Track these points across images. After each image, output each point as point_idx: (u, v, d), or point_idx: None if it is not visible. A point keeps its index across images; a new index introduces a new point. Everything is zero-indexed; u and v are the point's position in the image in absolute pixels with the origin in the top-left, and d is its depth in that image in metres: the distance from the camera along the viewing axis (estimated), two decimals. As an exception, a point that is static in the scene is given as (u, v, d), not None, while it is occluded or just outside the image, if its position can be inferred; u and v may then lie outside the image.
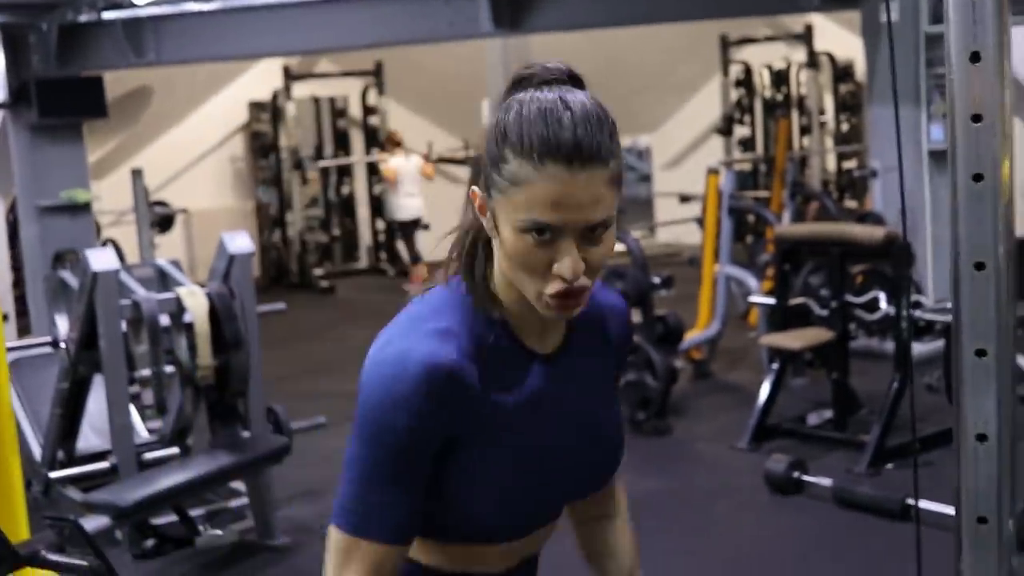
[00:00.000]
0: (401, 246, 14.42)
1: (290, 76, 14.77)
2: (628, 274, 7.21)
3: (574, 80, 1.61)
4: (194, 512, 5.48)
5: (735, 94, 15.06)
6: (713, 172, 8.76)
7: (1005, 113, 1.41)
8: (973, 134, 1.41)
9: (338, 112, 15.37)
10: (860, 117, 14.06)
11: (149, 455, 5.54)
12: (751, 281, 8.58)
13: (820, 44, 14.03)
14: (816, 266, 7.26)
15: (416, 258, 13.71)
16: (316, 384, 8.96)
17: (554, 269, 1.54)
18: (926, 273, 8.46)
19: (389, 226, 14.85)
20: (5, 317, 10.10)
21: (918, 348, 7.26)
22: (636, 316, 7.12)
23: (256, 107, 15.05)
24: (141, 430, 5.97)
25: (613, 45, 12.56)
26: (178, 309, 5.32)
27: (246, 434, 5.48)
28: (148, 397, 5.56)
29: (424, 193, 13.75)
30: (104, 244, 10.92)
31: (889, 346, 7.17)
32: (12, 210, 11.15)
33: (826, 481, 5.84)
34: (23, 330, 10.26)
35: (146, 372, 5.41)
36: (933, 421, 6.36)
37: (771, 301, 7.34)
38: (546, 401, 1.71)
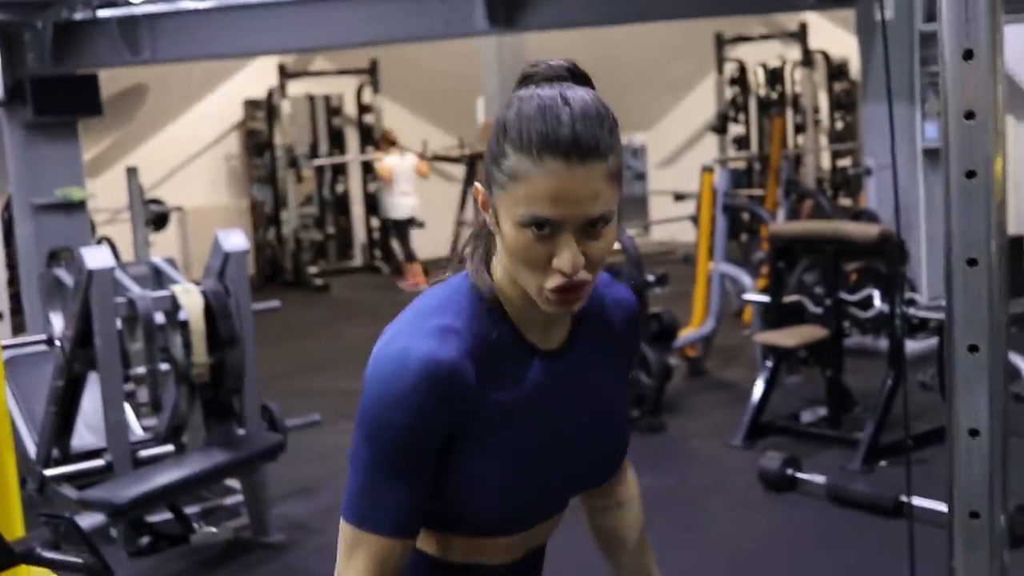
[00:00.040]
0: (395, 244, 14.42)
1: (285, 74, 14.76)
2: (623, 272, 7.21)
3: (578, 77, 1.62)
4: (189, 509, 5.48)
5: (730, 92, 15.08)
6: (708, 170, 8.76)
7: (998, 110, 1.42)
8: (966, 131, 1.42)
9: (333, 110, 15.35)
10: (854, 115, 14.10)
11: (144, 453, 5.55)
12: (745, 279, 8.58)
13: (815, 42, 14.05)
14: (810, 264, 7.27)
15: (410, 256, 13.72)
16: (311, 382, 8.96)
17: (554, 263, 1.55)
18: (920, 271, 8.48)
19: (384, 224, 14.84)
20: (0, 315, 10.14)
21: (912, 346, 7.28)
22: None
23: (251, 105, 15.04)
24: (136, 428, 5.97)
25: (608, 43, 12.56)
26: (173, 307, 5.33)
27: (241, 432, 5.48)
28: (143, 395, 5.56)
29: (419, 191, 13.76)
30: (99, 242, 10.91)
31: (883, 344, 7.18)
32: (7, 208, 11.14)
33: (820, 478, 5.85)
34: (18, 328, 10.27)
35: (141, 370, 5.41)
36: (927, 419, 6.36)
37: (765, 299, 7.35)
38: (549, 397, 1.72)
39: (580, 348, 1.77)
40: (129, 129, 13.82)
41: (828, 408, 6.84)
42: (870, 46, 8.85)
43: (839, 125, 14.54)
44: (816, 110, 14.32)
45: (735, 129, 15.14)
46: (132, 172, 10.69)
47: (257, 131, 15.04)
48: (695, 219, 9.06)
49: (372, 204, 15.26)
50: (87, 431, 5.85)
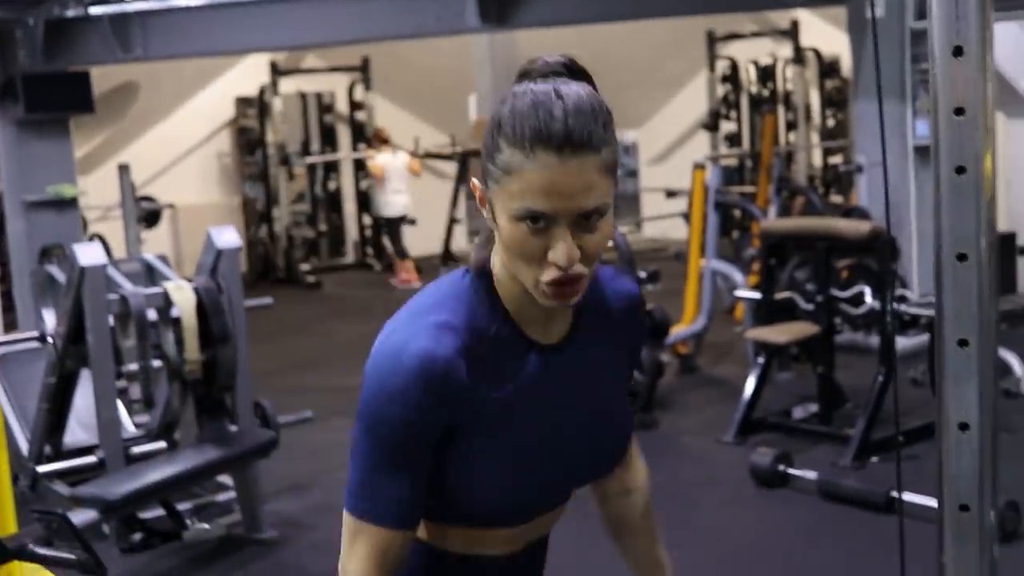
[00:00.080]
0: (387, 242, 14.42)
1: (277, 71, 14.74)
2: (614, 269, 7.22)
3: (575, 72, 1.63)
4: (181, 506, 5.48)
5: (721, 90, 15.09)
6: (699, 167, 8.77)
7: (987, 107, 1.43)
8: (956, 127, 1.43)
9: (325, 108, 15.35)
10: (846, 113, 14.10)
11: (136, 449, 5.55)
12: (737, 276, 8.60)
13: (806, 40, 14.06)
14: (802, 261, 7.28)
15: (402, 254, 13.72)
16: (303, 379, 8.96)
17: (549, 257, 1.56)
18: (911, 268, 8.50)
19: (376, 222, 14.84)
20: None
21: (903, 342, 7.30)
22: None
23: (243, 103, 15.02)
24: (128, 424, 5.97)
25: (600, 41, 12.56)
26: (165, 304, 5.32)
27: (233, 428, 5.48)
28: (135, 391, 5.55)
29: (411, 188, 13.76)
30: (91, 239, 10.91)
31: (874, 340, 7.20)
32: (-2, 205, 11.13)
33: (811, 474, 5.86)
34: (10, 325, 10.25)
35: (133, 366, 5.40)
36: (918, 415, 6.39)
37: (757, 296, 7.36)
38: (549, 392, 1.73)
39: (581, 342, 1.77)
40: (121, 126, 13.81)
41: (819, 404, 6.86)
42: (861, 44, 8.86)
43: (830, 122, 14.55)
44: (808, 107, 14.33)
45: (727, 126, 15.15)
46: (124, 169, 10.67)
47: (249, 128, 15.03)
48: (687, 216, 9.06)
49: (364, 201, 15.26)
50: (79, 428, 5.85)
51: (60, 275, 6.02)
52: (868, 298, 6.71)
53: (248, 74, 14.69)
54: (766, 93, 14.83)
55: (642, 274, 7.39)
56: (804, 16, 13.90)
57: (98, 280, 5.25)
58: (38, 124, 9.98)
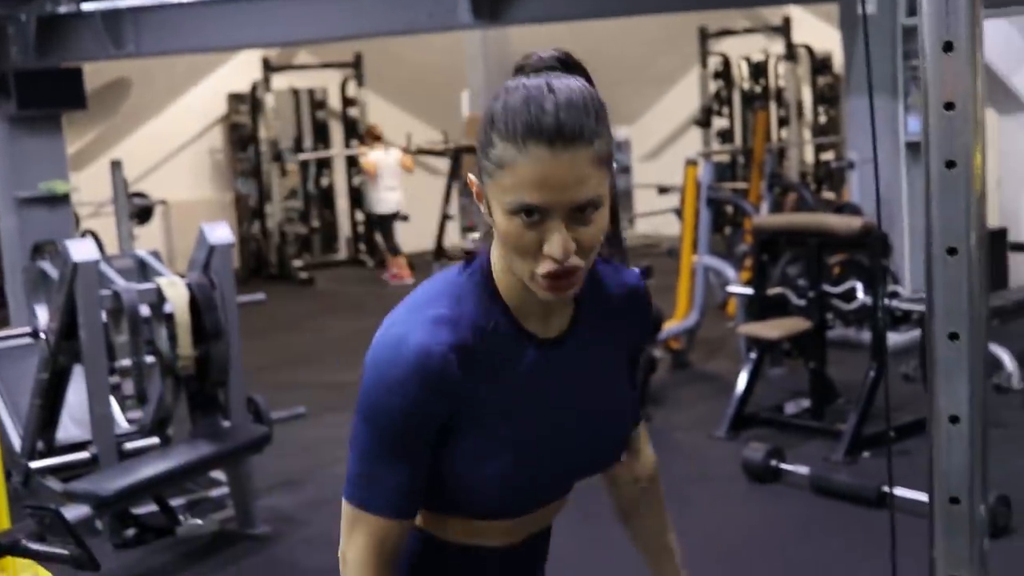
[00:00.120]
0: (379, 239, 14.41)
1: (269, 68, 14.73)
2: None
3: (570, 67, 1.64)
4: (174, 502, 5.49)
5: (714, 86, 15.10)
6: (692, 163, 8.78)
7: (977, 102, 1.44)
8: (946, 122, 1.44)
9: (317, 104, 15.33)
10: (838, 109, 14.13)
11: (129, 445, 5.54)
12: (729, 271, 8.60)
13: (798, 36, 14.08)
14: (794, 256, 7.30)
15: (395, 250, 13.71)
16: (296, 375, 8.96)
17: (544, 250, 1.56)
18: (903, 264, 8.51)
19: (368, 218, 14.83)
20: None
21: (894, 338, 7.31)
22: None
23: (235, 99, 15.00)
24: (121, 420, 5.97)
25: (592, 37, 12.56)
26: (158, 299, 5.32)
27: (226, 424, 5.47)
28: (128, 387, 5.56)
29: (403, 185, 13.76)
30: (83, 235, 10.89)
31: (866, 336, 7.21)
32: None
33: (803, 469, 5.88)
34: (2, 321, 10.25)
35: (126, 362, 5.41)
36: (909, 410, 6.40)
37: (749, 291, 7.37)
38: (549, 385, 1.74)
39: (581, 335, 1.78)
40: (113, 123, 13.79)
41: (811, 399, 6.88)
42: (853, 40, 8.87)
43: (822, 119, 14.56)
44: (800, 104, 14.34)
45: (719, 123, 15.16)
46: (116, 165, 10.67)
47: (241, 125, 15.01)
48: (679, 212, 9.07)
49: (357, 198, 15.26)
50: (72, 424, 5.84)
51: (52, 271, 6.02)
52: (860, 294, 6.73)
53: (240, 70, 14.68)
54: (758, 89, 14.84)
55: (634, 270, 7.38)
56: (796, 12, 13.91)
57: (91, 276, 5.25)
58: (30, 120, 9.97)
